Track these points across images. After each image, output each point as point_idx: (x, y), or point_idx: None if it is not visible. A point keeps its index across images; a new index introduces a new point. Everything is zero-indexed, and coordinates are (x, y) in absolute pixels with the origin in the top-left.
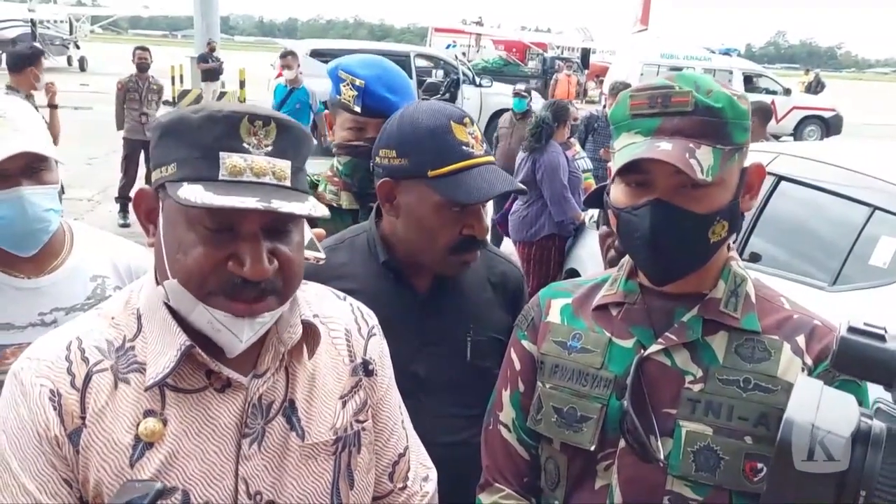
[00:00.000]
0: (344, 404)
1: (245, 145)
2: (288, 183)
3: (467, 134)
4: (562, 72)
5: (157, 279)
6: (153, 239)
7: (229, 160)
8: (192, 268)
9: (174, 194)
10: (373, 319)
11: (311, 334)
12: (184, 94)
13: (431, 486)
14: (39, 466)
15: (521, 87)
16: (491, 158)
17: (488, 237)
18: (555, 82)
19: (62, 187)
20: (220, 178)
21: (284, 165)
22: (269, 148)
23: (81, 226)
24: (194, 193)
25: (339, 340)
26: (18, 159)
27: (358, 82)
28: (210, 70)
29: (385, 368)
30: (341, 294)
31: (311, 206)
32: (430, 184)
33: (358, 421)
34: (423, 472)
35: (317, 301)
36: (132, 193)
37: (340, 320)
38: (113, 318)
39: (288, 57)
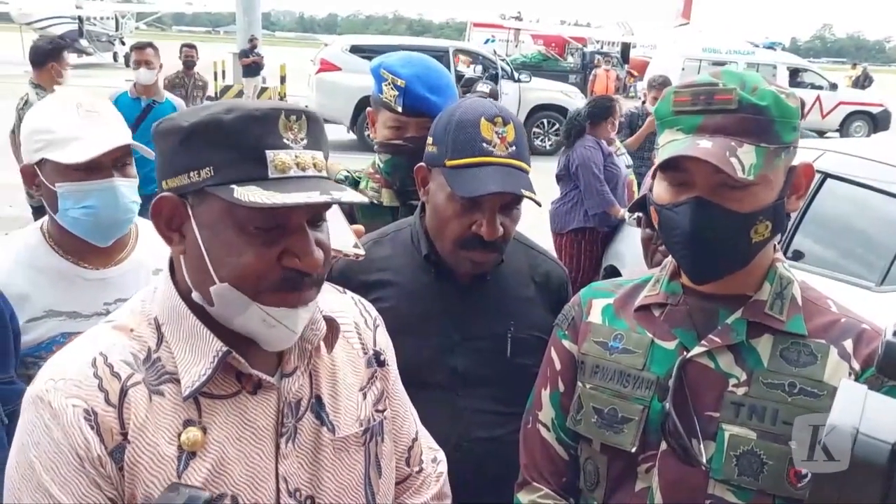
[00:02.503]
0: (364, 396)
1: (285, 141)
2: (325, 172)
3: (493, 132)
4: (601, 67)
5: (176, 284)
6: (181, 247)
7: (277, 158)
8: (247, 269)
9: (228, 197)
10: (374, 310)
11: (330, 329)
12: (226, 89)
13: (443, 465)
14: (83, 489)
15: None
16: (513, 161)
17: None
18: (594, 77)
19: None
20: (271, 176)
21: (320, 156)
22: (305, 141)
23: (145, 221)
24: (255, 194)
25: (351, 334)
26: (115, 152)
27: (399, 82)
28: (251, 65)
29: (391, 358)
30: (340, 288)
31: (356, 193)
32: (445, 172)
33: (378, 411)
34: (431, 454)
35: (322, 297)
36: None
37: (348, 314)
38: (132, 330)
39: (147, 49)
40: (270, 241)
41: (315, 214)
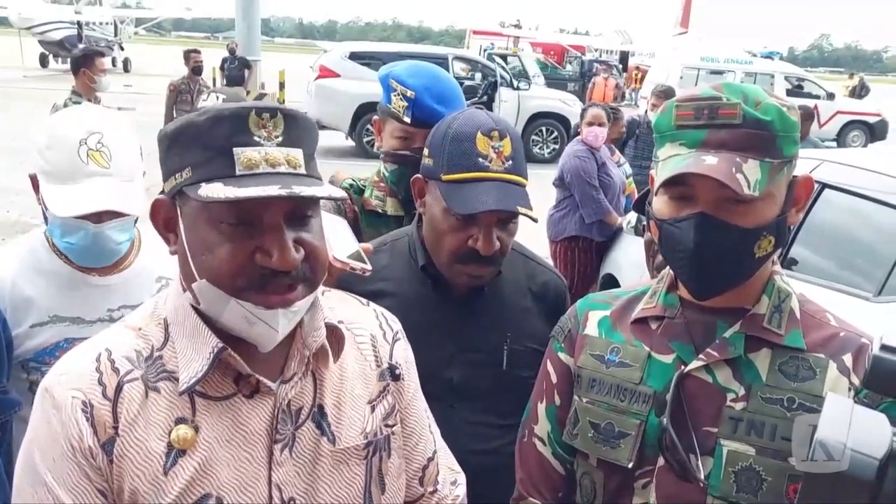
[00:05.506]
0: (373, 409)
1: (256, 138)
2: (303, 170)
3: (489, 147)
4: (599, 75)
5: (182, 286)
6: (176, 247)
7: (244, 154)
8: (220, 265)
9: (195, 195)
10: (397, 325)
11: (335, 338)
12: None
13: (461, 489)
14: (74, 479)
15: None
16: (509, 176)
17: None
18: (592, 85)
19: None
20: (238, 173)
21: (297, 153)
22: (280, 139)
23: (148, 228)
24: (215, 190)
25: (365, 346)
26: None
27: (409, 93)
28: (232, 76)
29: (411, 373)
30: (364, 300)
31: (330, 189)
32: (441, 187)
33: (387, 425)
34: (451, 476)
35: (340, 307)
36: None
37: (365, 326)
38: (140, 329)
39: None
40: (243, 237)
41: (296, 212)
